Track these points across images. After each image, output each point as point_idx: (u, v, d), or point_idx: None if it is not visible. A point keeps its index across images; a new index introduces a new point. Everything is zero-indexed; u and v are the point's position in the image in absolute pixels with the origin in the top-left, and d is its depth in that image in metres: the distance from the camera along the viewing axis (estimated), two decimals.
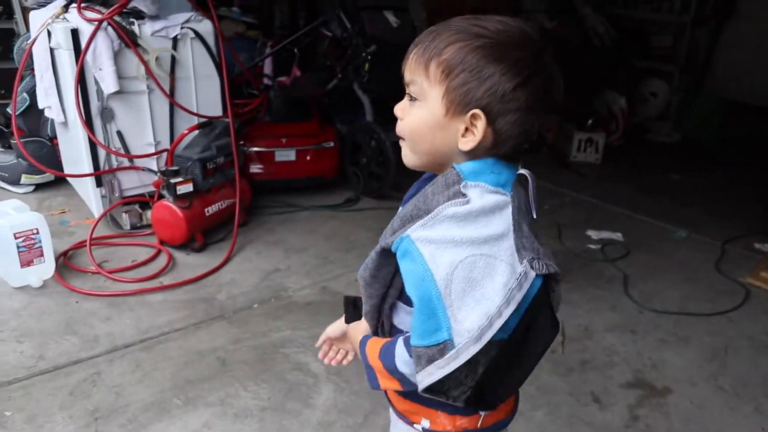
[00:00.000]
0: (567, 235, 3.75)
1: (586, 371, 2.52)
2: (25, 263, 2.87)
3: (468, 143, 0.91)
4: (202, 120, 3.58)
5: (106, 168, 3.43)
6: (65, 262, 3.14)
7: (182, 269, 3.17)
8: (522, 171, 0.94)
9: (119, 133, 3.41)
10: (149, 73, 3.35)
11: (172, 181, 3.21)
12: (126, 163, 3.49)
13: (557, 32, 5.78)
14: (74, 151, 3.55)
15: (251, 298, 2.95)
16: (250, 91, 4.27)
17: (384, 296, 0.99)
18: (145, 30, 3.32)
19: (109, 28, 3.17)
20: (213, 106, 3.69)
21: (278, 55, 4.84)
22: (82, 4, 3.20)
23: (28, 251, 2.87)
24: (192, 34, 3.47)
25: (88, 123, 3.28)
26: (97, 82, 3.23)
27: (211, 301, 2.91)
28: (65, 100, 3.42)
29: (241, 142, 3.82)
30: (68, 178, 3.98)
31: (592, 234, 3.78)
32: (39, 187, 4.06)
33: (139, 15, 3.31)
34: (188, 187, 3.25)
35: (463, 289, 0.85)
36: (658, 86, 6.17)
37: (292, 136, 4.07)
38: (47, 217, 3.09)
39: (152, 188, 3.49)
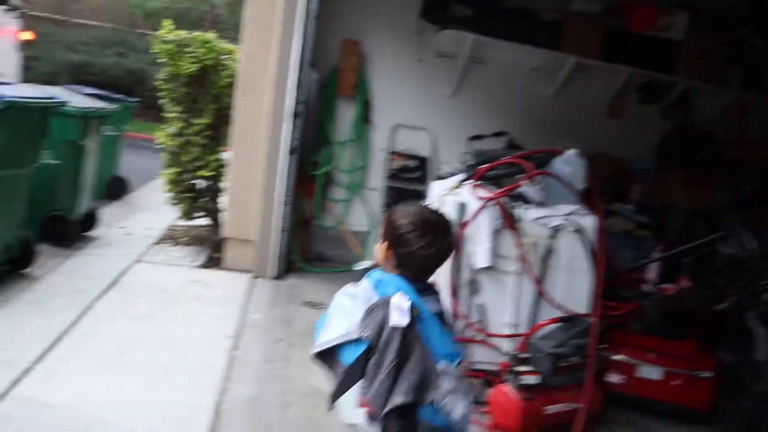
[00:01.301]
0: None
1: None
2: (362, 404, 2.98)
3: (384, 259, 1.75)
4: (565, 315, 3.45)
5: (461, 336, 3.48)
6: None
7: None
8: (432, 299, 1.73)
9: (480, 307, 3.47)
10: (523, 256, 3.37)
11: (519, 368, 3.11)
12: (480, 336, 3.51)
13: None
14: None
15: None
16: (623, 294, 4.00)
17: None
18: (527, 215, 3.41)
19: (494, 208, 3.32)
20: (580, 302, 3.54)
21: (667, 262, 4.51)
22: (477, 182, 3.44)
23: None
24: (573, 227, 3.44)
25: (455, 291, 3.41)
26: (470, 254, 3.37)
27: None
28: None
29: (603, 346, 3.54)
30: None
31: None
32: None
33: (525, 199, 3.42)
34: (533, 379, 3.10)
35: (326, 325, 1.70)
36: None
37: (663, 354, 3.67)
38: None
39: (498, 368, 3.41)
